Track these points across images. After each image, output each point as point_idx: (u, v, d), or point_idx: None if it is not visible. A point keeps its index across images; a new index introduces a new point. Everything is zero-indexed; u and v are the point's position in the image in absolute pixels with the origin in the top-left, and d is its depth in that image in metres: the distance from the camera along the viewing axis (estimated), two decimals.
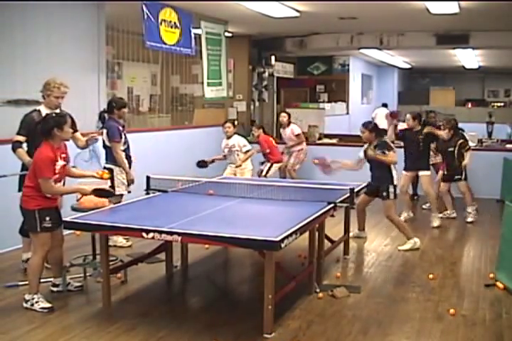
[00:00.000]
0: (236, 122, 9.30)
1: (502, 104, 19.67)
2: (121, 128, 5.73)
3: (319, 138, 10.03)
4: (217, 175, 6.62)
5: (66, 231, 4.45)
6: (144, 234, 3.70)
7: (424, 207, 7.85)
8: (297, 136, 8.67)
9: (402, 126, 7.29)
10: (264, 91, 10.78)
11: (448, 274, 5.14)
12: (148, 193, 5.09)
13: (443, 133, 6.96)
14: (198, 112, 10.01)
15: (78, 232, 5.58)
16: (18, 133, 4.68)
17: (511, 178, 8.23)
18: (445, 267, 5.35)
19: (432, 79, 20.92)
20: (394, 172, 5.80)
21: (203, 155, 7.27)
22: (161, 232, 3.66)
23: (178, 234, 3.63)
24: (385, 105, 14.93)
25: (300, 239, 3.87)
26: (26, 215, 4.14)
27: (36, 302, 4.09)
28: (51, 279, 4.50)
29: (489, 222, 7.22)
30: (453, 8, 7.12)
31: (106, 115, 5.79)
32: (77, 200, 4.43)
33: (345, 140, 10.03)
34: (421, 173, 6.89)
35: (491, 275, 4.94)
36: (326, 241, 5.06)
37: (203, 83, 8.41)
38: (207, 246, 5.34)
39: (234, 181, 5.63)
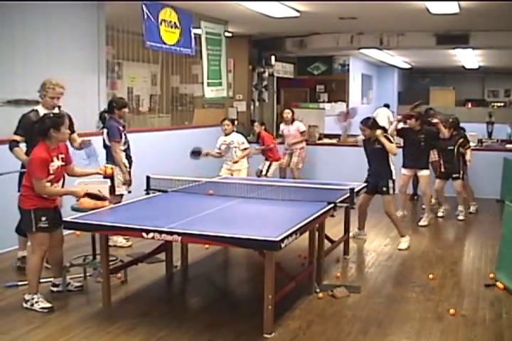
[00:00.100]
0: (236, 122, 9.30)
1: (502, 104, 19.67)
2: (121, 128, 5.73)
3: (319, 138, 10.02)
4: (217, 175, 6.63)
5: (66, 231, 4.45)
6: (144, 234, 3.70)
7: (423, 206, 7.84)
8: (302, 132, 8.67)
9: (400, 125, 7.28)
10: (264, 91, 10.77)
11: (448, 274, 5.14)
12: (148, 193, 5.09)
13: (445, 131, 6.95)
14: (198, 112, 10.01)
15: (78, 232, 5.59)
16: (16, 133, 4.72)
17: (511, 178, 8.23)
18: (445, 267, 5.35)
19: (431, 79, 20.93)
20: (392, 167, 5.82)
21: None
22: (161, 232, 3.66)
23: (178, 234, 3.63)
24: (386, 106, 14.94)
25: (300, 239, 3.87)
26: (22, 215, 4.14)
27: (36, 302, 4.09)
28: (51, 279, 4.50)
29: (489, 222, 7.22)
30: (453, 8, 7.12)
31: (106, 115, 5.79)
32: (77, 200, 4.42)
33: (346, 140, 10.01)
34: (420, 173, 6.89)
35: (491, 275, 4.94)
36: (326, 241, 5.06)
37: (203, 83, 8.40)
38: (207, 246, 5.34)
39: (234, 181, 5.63)
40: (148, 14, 6.77)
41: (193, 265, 5.30)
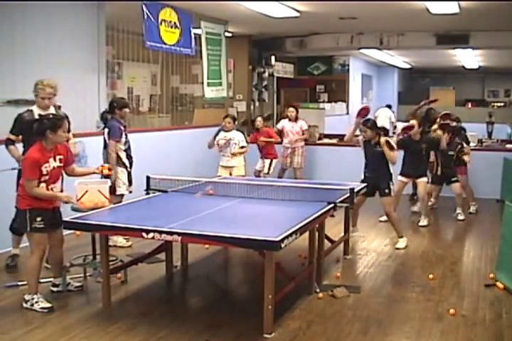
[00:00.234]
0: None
1: (502, 104, 19.69)
2: (122, 128, 5.73)
3: (319, 138, 10.02)
4: (217, 176, 6.62)
5: (66, 231, 4.45)
6: (144, 234, 3.70)
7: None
8: (305, 131, 8.69)
9: (401, 125, 7.29)
10: (264, 92, 10.77)
11: (448, 274, 5.14)
12: (148, 193, 5.08)
13: (444, 144, 6.93)
14: (198, 112, 10.01)
15: (78, 232, 5.59)
16: (11, 132, 4.79)
17: (511, 178, 8.23)
18: (445, 267, 5.35)
19: (431, 79, 20.94)
20: (392, 170, 5.85)
21: (203, 155, 7.28)
22: (161, 232, 3.66)
23: (178, 234, 3.63)
24: (388, 106, 14.96)
25: (300, 239, 3.87)
26: (18, 214, 4.15)
27: (36, 302, 4.09)
28: (51, 279, 4.50)
29: (489, 222, 7.22)
30: (453, 8, 7.12)
31: (107, 115, 5.79)
32: (77, 200, 4.42)
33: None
34: (419, 179, 6.88)
35: (491, 275, 4.94)
36: (326, 241, 5.06)
37: (203, 83, 8.40)
38: (207, 246, 5.34)
39: (234, 181, 5.63)
40: (148, 14, 6.77)
41: (193, 265, 5.30)
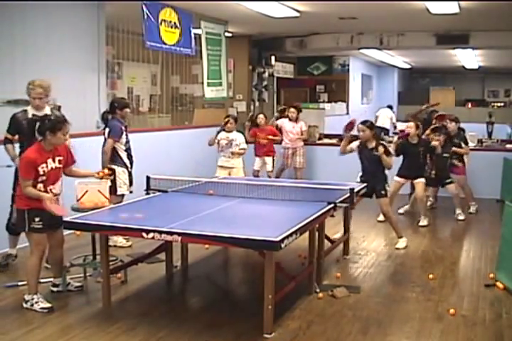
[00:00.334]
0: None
1: (502, 104, 19.69)
2: (123, 128, 5.74)
3: (319, 138, 10.02)
4: (215, 176, 6.62)
5: (66, 231, 4.44)
6: (144, 234, 3.69)
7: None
8: (304, 131, 8.73)
9: (401, 126, 7.28)
10: (264, 92, 10.77)
11: (448, 274, 5.14)
12: (148, 193, 5.08)
13: (439, 149, 6.92)
14: (198, 112, 10.01)
15: (78, 232, 5.58)
16: (7, 131, 4.87)
17: (511, 178, 8.23)
18: (445, 267, 5.35)
19: (431, 79, 20.94)
20: (387, 172, 5.90)
21: (203, 155, 7.28)
22: (161, 232, 3.65)
23: (178, 234, 3.63)
24: (390, 107, 14.99)
25: (300, 239, 3.87)
26: (17, 214, 4.15)
27: (36, 302, 4.09)
28: (51, 279, 4.50)
29: (489, 222, 7.22)
30: (453, 8, 7.12)
31: (108, 115, 5.79)
32: (77, 200, 4.42)
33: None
34: (416, 180, 6.90)
35: (491, 275, 4.94)
36: (326, 241, 5.06)
37: (203, 83, 8.40)
38: (207, 246, 5.34)
39: (234, 181, 5.63)
40: (148, 14, 6.77)
41: (193, 265, 5.30)
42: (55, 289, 4.47)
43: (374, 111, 15.70)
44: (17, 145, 4.85)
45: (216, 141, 7.03)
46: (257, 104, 10.65)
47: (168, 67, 9.23)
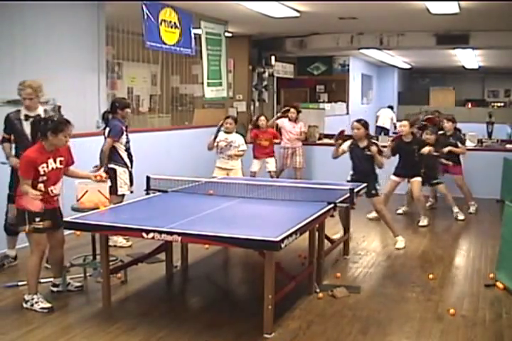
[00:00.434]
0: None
1: (502, 104, 19.67)
2: (124, 128, 5.74)
3: (319, 138, 10.03)
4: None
5: (66, 231, 4.45)
6: (144, 234, 3.69)
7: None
8: (303, 132, 8.79)
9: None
10: (264, 92, 10.76)
11: (448, 274, 5.14)
12: (148, 193, 5.08)
13: (430, 149, 6.92)
14: (198, 112, 10.01)
15: (78, 232, 5.58)
16: (4, 131, 4.92)
17: (511, 178, 8.23)
18: (445, 267, 5.35)
19: (431, 79, 20.93)
20: (377, 171, 5.90)
21: (203, 155, 7.27)
22: (161, 232, 3.65)
23: (178, 234, 3.63)
24: (390, 107, 15.00)
25: (300, 239, 3.87)
26: (18, 214, 4.15)
27: (36, 302, 4.09)
28: (51, 279, 4.50)
29: (489, 222, 7.22)
30: (453, 8, 7.11)
31: (109, 115, 5.79)
32: (77, 200, 4.42)
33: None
34: (412, 179, 6.90)
35: (491, 275, 4.94)
36: (326, 241, 5.06)
37: (203, 83, 8.40)
38: (207, 246, 5.34)
39: (234, 181, 5.63)
40: (148, 14, 6.77)
41: (193, 265, 5.30)
42: (55, 289, 4.47)
43: (374, 111, 15.73)
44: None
45: (216, 143, 7.01)
46: (257, 104, 10.64)
47: (168, 67, 9.22)
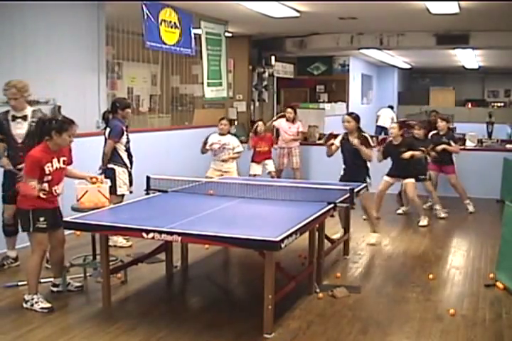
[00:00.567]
0: (236, 122, 9.33)
1: (502, 104, 19.67)
2: (124, 128, 5.74)
3: (319, 138, 10.02)
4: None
5: (66, 232, 4.45)
6: (144, 234, 3.69)
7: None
8: (300, 132, 8.80)
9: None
10: (264, 92, 10.76)
11: (448, 274, 5.14)
12: (148, 193, 5.08)
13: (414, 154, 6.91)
14: (198, 112, 10.01)
15: (78, 232, 5.58)
16: None
17: (511, 178, 8.23)
18: (445, 267, 5.35)
19: (431, 79, 20.93)
20: (369, 164, 5.90)
21: (203, 155, 7.26)
22: (161, 232, 3.65)
23: (178, 234, 3.63)
24: (391, 107, 15.00)
25: (300, 239, 3.87)
26: (21, 215, 4.15)
27: (36, 302, 4.09)
28: (51, 279, 4.50)
29: (489, 222, 7.22)
30: (453, 8, 7.11)
31: (109, 115, 5.79)
32: (77, 200, 4.42)
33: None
34: (405, 181, 6.91)
35: (491, 275, 4.94)
36: (326, 241, 5.06)
37: (203, 83, 8.40)
38: (207, 246, 5.34)
39: (234, 181, 5.63)
40: (148, 14, 6.77)
41: (193, 265, 5.30)
42: (55, 289, 4.48)
43: (374, 111, 15.72)
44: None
45: (208, 146, 6.98)
46: (257, 104, 10.64)
47: (168, 67, 9.22)
